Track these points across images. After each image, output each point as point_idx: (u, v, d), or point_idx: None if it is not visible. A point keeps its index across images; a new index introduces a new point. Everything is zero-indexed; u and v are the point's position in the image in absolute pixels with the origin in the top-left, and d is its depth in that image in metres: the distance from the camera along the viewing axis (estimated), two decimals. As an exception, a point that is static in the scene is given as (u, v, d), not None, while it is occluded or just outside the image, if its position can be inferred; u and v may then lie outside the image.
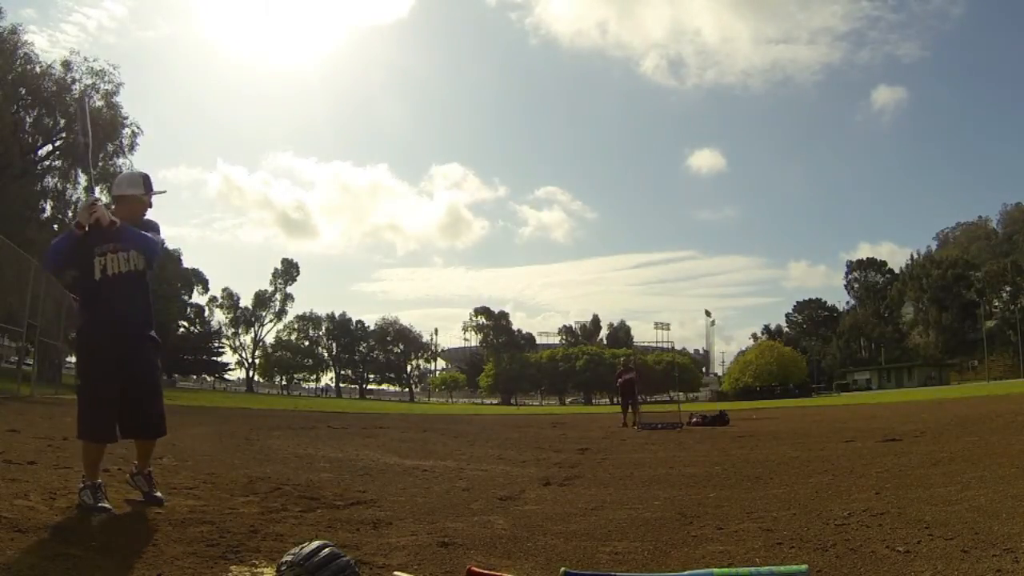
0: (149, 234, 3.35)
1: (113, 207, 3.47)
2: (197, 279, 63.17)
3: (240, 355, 71.59)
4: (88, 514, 2.97)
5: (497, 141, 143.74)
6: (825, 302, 78.89)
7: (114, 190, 3.47)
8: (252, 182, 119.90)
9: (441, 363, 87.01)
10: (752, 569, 2.15)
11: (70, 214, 29.66)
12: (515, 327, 78.46)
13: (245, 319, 70.77)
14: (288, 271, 71.88)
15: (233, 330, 70.56)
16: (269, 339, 72.70)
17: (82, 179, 29.60)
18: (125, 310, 3.27)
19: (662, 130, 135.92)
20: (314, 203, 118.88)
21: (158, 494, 3.42)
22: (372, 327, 76.98)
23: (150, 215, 3.51)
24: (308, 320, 74.94)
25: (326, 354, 76.35)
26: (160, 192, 3.53)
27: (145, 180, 3.45)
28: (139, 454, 3.48)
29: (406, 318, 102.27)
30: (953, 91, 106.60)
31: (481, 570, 2.13)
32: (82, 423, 3.19)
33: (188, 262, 61.06)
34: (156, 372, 3.51)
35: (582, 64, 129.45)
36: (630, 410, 14.17)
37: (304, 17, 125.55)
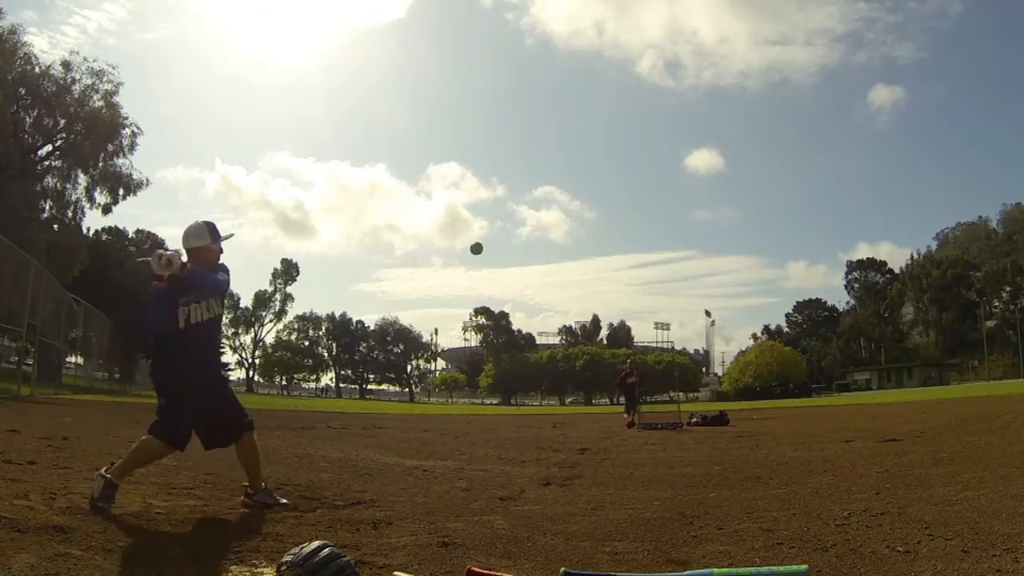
0: (218, 275, 3.55)
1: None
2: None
3: (240, 355, 71.68)
4: (90, 514, 2.96)
5: (495, 140, 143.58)
6: (825, 302, 78.96)
7: (183, 243, 3.56)
8: (250, 182, 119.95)
9: (441, 363, 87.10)
10: (752, 569, 2.16)
11: (70, 214, 29.68)
12: (515, 327, 78.59)
13: (245, 319, 70.76)
14: (288, 271, 71.91)
15: (233, 330, 70.57)
16: (269, 339, 72.79)
17: (82, 179, 29.59)
18: (208, 355, 3.60)
19: (660, 130, 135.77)
20: (312, 203, 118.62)
21: (284, 500, 3.61)
22: (372, 327, 77.06)
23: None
24: (308, 320, 74.93)
25: (326, 354, 76.33)
26: (228, 237, 3.65)
27: (211, 229, 3.56)
28: (248, 472, 3.61)
29: (406, 318, 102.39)
30: (952, 90, 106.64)
31: (481, 570, 2.13)
32: (164, 425, 3.29)
33: (188, 262, 60.93)
34: (227, 391, 3.73)
35: (579, 63, 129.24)
36: (633, 411, 14.20)
37: (301, 17, 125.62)
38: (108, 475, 3.11)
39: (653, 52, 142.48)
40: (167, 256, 3.27)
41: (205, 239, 3.53)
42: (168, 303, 3.36)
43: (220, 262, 3.62)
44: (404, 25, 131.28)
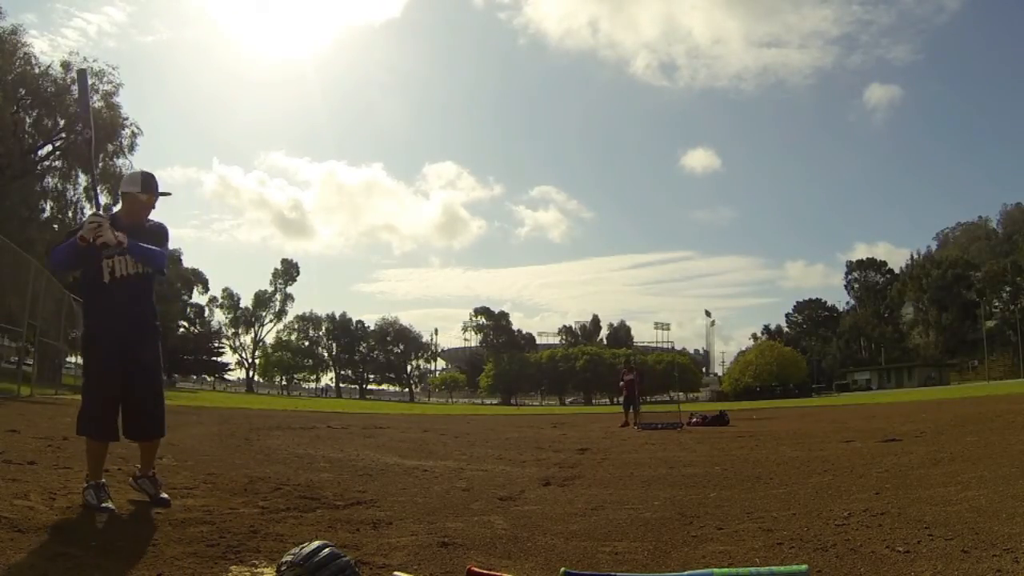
0: (155, 248, 3.31)
1: (118, 206, 3.45)
2: (197, 279, 63.17)
3: (240, 355, 71.80)
4: (90, 514, 2.97)
5: (491, 140, 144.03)
6: (825, 302, 79.06)
7: (119, 187, 3.49)
8: (248, 182, 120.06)
9: (441, 363, 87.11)
10: (752, 569, 2.16)
11: (70, 214, 29.64)
12: (514, 327, 78.62)
13: (245, 319, 70.83)
14: (288, 271, 72.00)
15: (233, 330, 70.79)
16: (269, 339, 72.85)
17: (82, 179, 29.56)
18: (132, 309, 3.33)
19: (656, 130, 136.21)
20: (310, 203, 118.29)
21: (164, 495, 3.40)
22: (372, 327, 77.09)
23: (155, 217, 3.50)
24: (308, 320, 74.99)
25: (326, 354, 76.37)
26: (164, 194, 3.46)
27: (145, 179, 3.37)
28: (142, 457, 3.49)
29: (406, 318, 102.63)
30: (951, 90, 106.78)
31: (481, 570, 2.13)
32: (84, 419, 3.22)
33: (188, 262, 61.15)
34: (159, 370, 3.53)
35: (574, 63, 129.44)
36: (631, 410, 14.18)
37: (297, 17, 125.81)
38: (89, 481, 3.14)
39: (647, 52, 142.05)
40: (104, 239, 3.04)
41: (135, 186, 3.33)
42: (90, 255, 3.15)
43: (159, 221, 3.44)
44: (399, 24, 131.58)
